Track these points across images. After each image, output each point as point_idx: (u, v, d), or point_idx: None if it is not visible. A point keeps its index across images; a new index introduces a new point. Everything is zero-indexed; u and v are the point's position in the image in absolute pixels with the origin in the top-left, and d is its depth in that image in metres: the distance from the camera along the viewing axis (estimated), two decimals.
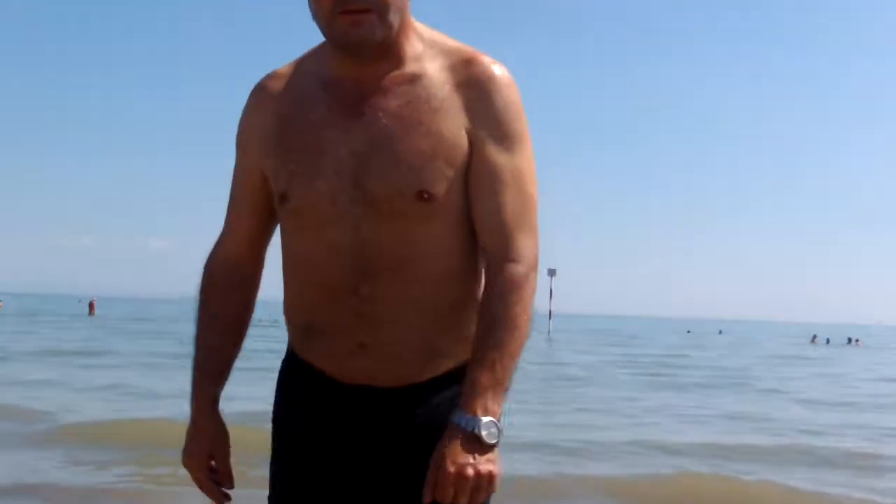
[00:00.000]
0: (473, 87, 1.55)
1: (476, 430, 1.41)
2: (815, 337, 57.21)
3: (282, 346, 1.76)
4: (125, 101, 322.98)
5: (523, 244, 1.52)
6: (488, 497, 1.44)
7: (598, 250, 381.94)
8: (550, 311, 49.65)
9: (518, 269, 1.50)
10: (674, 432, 10.01)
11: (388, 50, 1.53)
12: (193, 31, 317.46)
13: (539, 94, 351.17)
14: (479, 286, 1.61)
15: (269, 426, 1.73)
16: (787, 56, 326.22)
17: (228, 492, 1.65)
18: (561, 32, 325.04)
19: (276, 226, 1.69)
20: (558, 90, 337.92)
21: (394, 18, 1.49)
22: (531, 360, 24.82)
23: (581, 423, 10.61)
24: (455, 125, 1.53)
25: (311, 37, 1.60)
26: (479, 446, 1.41)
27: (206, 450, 1.63)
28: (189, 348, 1.69)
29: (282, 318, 1.73)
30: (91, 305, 54.26)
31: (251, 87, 1.67)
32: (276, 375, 1.75)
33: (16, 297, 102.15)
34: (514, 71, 1.60)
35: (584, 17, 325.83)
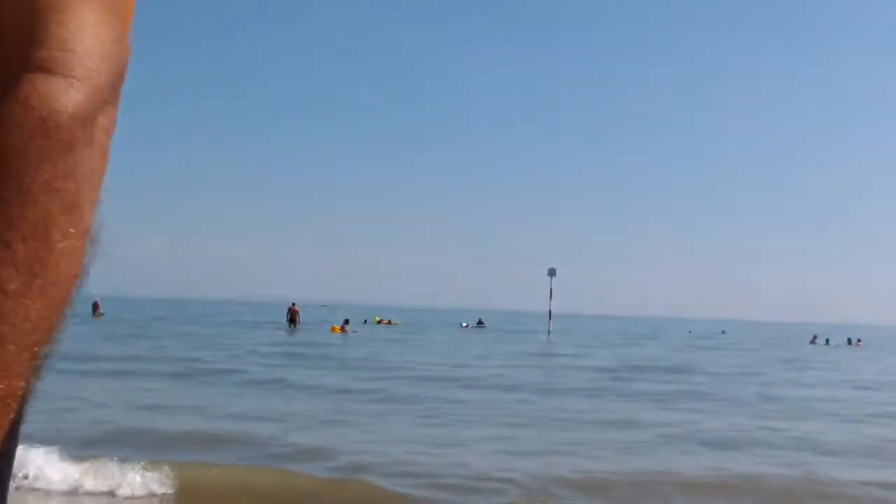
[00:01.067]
0: None
1: None
2: (815, 337, 57.10)
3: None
4: (124, 101, 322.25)
5: (69, 30, 0.63)
6: None
7: (599, 250, 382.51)
8: (551, 311, 49.67)
9: (56, 89, 0.62)
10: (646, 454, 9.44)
11: None
12: (192, 31, 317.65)
13: (542, 94, 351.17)
14: None
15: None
16: (784, 52, 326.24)
17: None
18: (565, 37, 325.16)
19: None
20: (560, 90, 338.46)
21: None
22: (525, 361, 24.73)
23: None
24: None
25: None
26: None
27: None
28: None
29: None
30: (95, 305, 53.92)
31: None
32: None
33: None
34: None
35: (596, 22, 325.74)
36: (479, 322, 64.01)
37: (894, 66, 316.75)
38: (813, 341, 53.97)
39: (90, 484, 6.81)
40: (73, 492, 6.75)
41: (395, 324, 59.28)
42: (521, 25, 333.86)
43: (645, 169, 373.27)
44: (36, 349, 0.60)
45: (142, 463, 7.07)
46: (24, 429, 0.72)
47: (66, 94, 0.61)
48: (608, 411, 13.30)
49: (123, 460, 7.09)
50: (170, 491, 6.70)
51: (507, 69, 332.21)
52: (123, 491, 6.73)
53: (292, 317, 45.29)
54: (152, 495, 6.68)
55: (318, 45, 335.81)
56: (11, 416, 0.59)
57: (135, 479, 6.81)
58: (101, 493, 6.73)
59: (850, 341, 52.73)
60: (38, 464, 6.81)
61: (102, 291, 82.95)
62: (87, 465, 7.00)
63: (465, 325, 62.42)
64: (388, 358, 23.43)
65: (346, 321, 44.22)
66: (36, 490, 6.59)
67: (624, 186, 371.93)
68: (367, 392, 14.47)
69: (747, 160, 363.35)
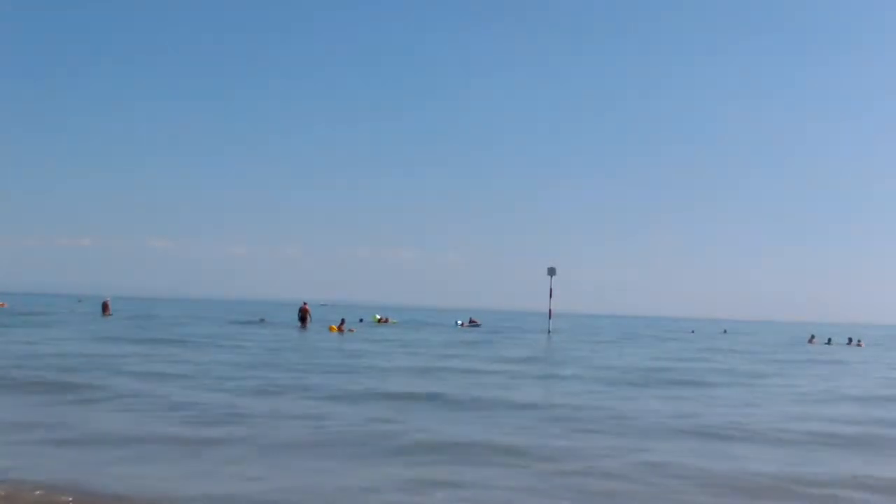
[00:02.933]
0: None
1: None
2: (812, 337, 56.70)
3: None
4: (125, 101, 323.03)
5: None
6: None
7: (599, 249, 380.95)
8: (550, 310, 49.55)
9: None
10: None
11: None
12: (192, 29, 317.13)
13: (543, 96, 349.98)
14: None
15: None
16: (784, 53, 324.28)
17: None
18: (565, 40, 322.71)
19: None
20: (561, 91, 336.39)
21: None
22: (524, 366, 24.42)
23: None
24: None
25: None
26: None
27: None
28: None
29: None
30: (105, 306, 56.62)
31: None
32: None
33: (10, 297, 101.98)
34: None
35: (597, 24, 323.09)
36: (472, 321, 64.00)
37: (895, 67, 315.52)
38: (811, 341, 53.64)
39: None
40: None
41: (394, 322, 59.57)
42: (521, 30, 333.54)
43: (646, 168, 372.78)
44: None
45: None
46: None
47: None
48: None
49: None
50: None
51: (509, 71, 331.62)
52: None
53: (303, 316, 46.18)
54: None
55: (319, 46, 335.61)
56: None
57: None
58: None
59: (850, 341, 52.33)
60: None
61: (106, 292, 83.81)
62: None
63: (460, 323, 62.49)
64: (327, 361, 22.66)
65: (343, 320, 44.70)
66: None
67: (624, 186, 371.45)
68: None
69: (748, 160, 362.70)
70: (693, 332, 70.89)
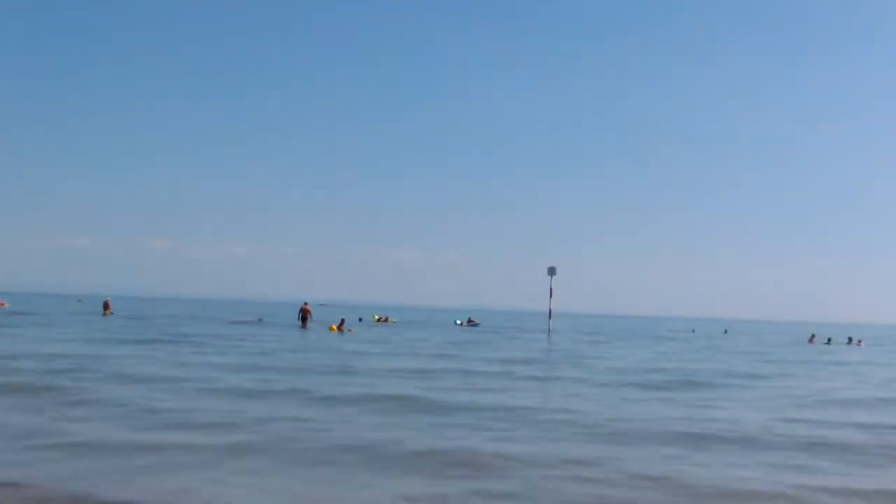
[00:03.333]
0: None
1: None
2: (812, 337, 56.69)
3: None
4: (125, 101, 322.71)
5: None
6: None
7: (599, 249, 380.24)
8: (550, 310, 49.60)
9: None
10: None
11: None
12: (192, 29, 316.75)
13: (542, 96, 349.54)
14: None
15: None
16: (784, 53, 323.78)
17: None
18: (566, 40, 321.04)
19: None
20: (561, 91, 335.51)
21: None
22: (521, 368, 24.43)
23: None
24: None
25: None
26: None
27: None
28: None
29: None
30: (106, 305, 57.43)
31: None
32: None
33: (10, 297, 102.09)
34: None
35: (598, 24, 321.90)
36: (470, 321, 64.14)
37: (894, 66, 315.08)
38: (811, 341, 53.60)
39: None
40: None
41: (394, 322, 59.67)
42: (521, 30, 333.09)
43: (646, 168, 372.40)
44: None
45: None
46: None
47: None
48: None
49: None
50: None
51: (509, 71, 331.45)
52: None
53: (304, 315, 46.33)
54: None
55: (319, 46, 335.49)
56: None
57: None
58: None
59: (850, 341, 52.36)
60: None
61: (106, 292, 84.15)
62: None
63: (459, 323, 62.62)
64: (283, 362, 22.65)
65: (342, 320, 44.82)
66: None
67: (625, 186, 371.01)
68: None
69: (748, 160, 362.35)
70: (693, 331, 70.97)
